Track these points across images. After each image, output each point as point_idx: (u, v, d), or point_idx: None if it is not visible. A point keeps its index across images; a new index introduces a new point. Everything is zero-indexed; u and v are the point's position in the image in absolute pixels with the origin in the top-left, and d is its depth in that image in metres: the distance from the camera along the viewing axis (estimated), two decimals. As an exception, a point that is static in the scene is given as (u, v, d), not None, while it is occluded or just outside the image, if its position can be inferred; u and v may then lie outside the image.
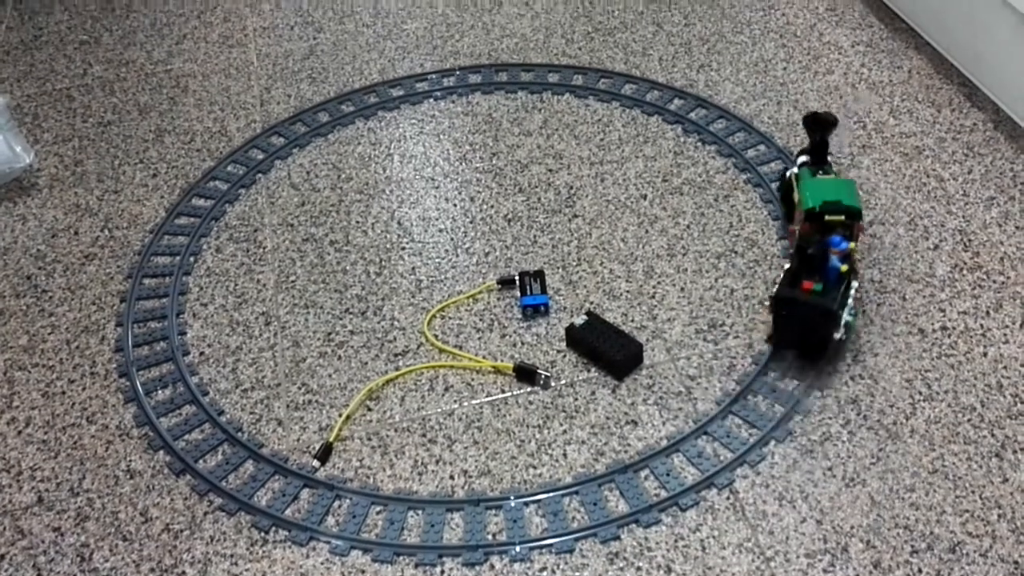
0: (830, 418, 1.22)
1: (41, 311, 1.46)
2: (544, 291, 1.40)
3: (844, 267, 1.23)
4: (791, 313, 1.25)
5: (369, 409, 1.28)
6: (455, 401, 1.28)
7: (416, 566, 1.11)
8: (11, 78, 1.95)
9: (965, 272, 1.39)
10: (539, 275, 1.41)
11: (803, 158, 1.41)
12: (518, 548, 1.12)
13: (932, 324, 1.32)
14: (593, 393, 1.28)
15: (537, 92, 1.79)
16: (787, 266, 1.27)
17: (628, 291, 1.41)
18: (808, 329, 1.26)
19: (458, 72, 1.85)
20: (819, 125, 1.40)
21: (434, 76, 1.85)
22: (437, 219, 1.55)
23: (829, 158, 1.40)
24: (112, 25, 2.09)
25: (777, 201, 1.53)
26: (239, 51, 1.97)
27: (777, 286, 1.25)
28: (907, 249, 1.43)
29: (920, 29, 1.83)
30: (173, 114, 1.81)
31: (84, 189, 1.66)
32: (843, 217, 1.26)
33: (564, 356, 1.33)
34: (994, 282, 1.37)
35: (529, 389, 1.29)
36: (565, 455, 1.21)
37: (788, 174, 1.45)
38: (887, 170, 1.56)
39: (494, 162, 1.65)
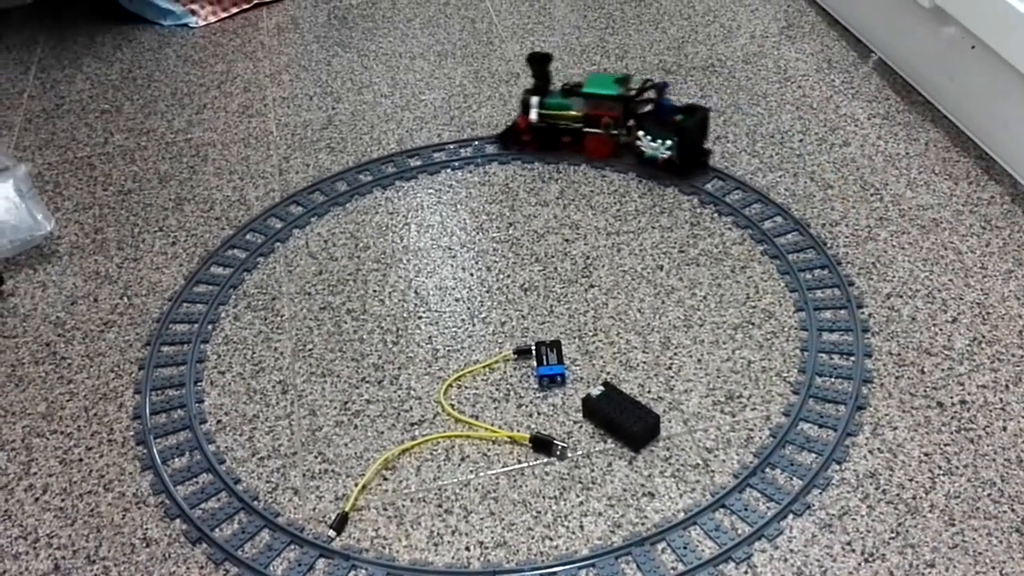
0: (849, 492, 1.23)
1: (60, 378, 1.49)
2: (561, 361, 1.42)
3: (673, 99, 1.77)
4: (691, 133, 1.73)
5: (385, 479, 1.31)
6: (471, 471, 1.31)
7: (432, 638, 1.13)
8: (33, 146, 2.01)
9: (984, 345, 1.41)
10: (556, 345, 1.44)
11: (535, 98, 1.80)
12: (534, 621, 1.13)
13: (951, 398, 1.34)
14: (610, 464, 1.30)
15: (553, 163, 1.83)
16: (640, 132, 1.74)
17: (645, 362, 1.43)
18: (701, 137, 1.77)
19: (475, 142, 1.90)
20: (541, 60, 1.80)
21: (452, 146, 1.90)
22: (454, 288, 1.58)
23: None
24: (133, 94, 2.15)
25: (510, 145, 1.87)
26: (259, 120, 2.03)
27: (659, 138, 1.72)
28: (925, 322, 1.46)
29: (936, 102, 1.88)
30: (193, 182, 1.86)
31: (104, 256, 1.70)
32: (635, 81, 1.79)
33: (581, 427, 1.35)
34: (1013, 356, 1.39)
35: (545, 460, 1.31)
36: (582, 527, 1.23)
37: (533, 116, 1.81)
38: (904, 243, 1.59)
39: (511, 232, 1.68)
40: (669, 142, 1.72)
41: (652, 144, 1.73)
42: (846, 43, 2.11)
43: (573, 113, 1.79)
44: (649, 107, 1.76)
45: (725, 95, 1.98)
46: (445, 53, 2.20)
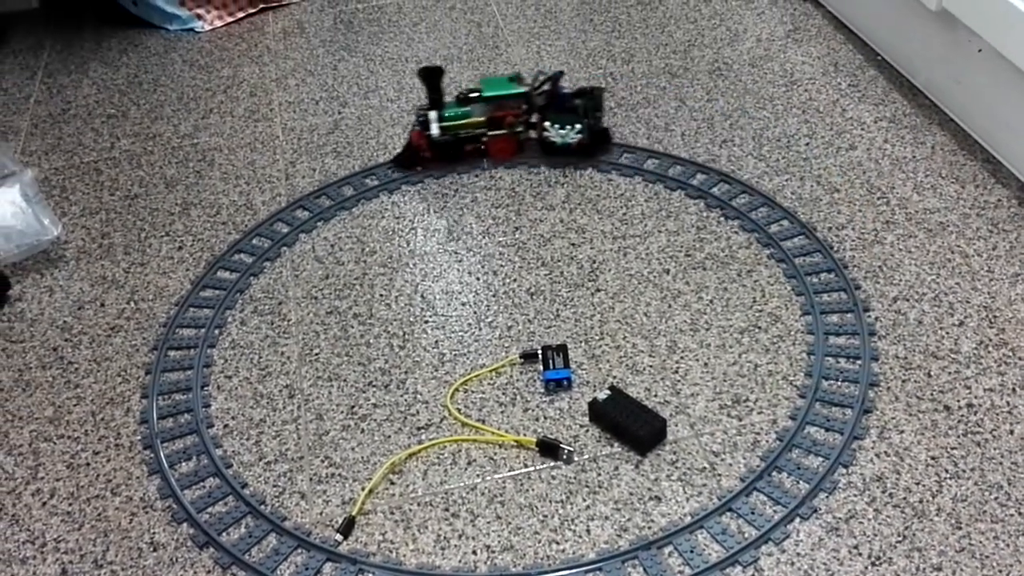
0: (855, 495, 1.24)
1: (67, 383, 1.50)
2: (567, 365, 1.43)
3: (568, 89, 1.82)
4: (596, 107, 1.81)
5: (392, 483, 1.32)
6: (478, 475, 1.31)
7: (439, 642, 1.14)
8: (39, 151, 2.02)
9: (991, 349, 1.42)
10: (562, 349, 1.45)
11: (433, 112, 1.79)
12: (541, 624, 1.14)
13: (958, 401, 1.35)
14: (616, 468, 1.31)
15: (560, 167, 1.84)
16: (546, 123, 1.80)
17: (651, 366, 1.44)
18: (601, 116, 1.85)
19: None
20: (432, 74, 1.79)
21: (458, 150, 1.91)
22: (460, 293, 1.59)
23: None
24: (139, 99, 2.16)
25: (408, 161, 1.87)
26: (265, 125, 2.04)
27: (568, 122, 1.80)
28: (932, 325, 1.46)
29: (943, 105, 1.88)
30: (199, 187, 1.87)
31: (111, 261, 1.72)
32: (527, 77, 1.85)
33: (587, 431, 1.36)
34: (1020, 359, 1.40)
35: (552, 464, 1.32)
36: (588, 531, 1.23)
37: (435, 131, 1.79)
38: (911, 246, 1.60)
39: (517, 236, 1.69)
40: (579, 125, 1.79)
41: (562, 132, 1.79)
42: (853, 46, 2.11)
43: (476, 119, 1.82)
44: (543, 99, 1.82)
45: (731, 99, 1.98)
46: (451, 57, 2.21)
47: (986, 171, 1.74)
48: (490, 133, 1.82)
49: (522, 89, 1.80)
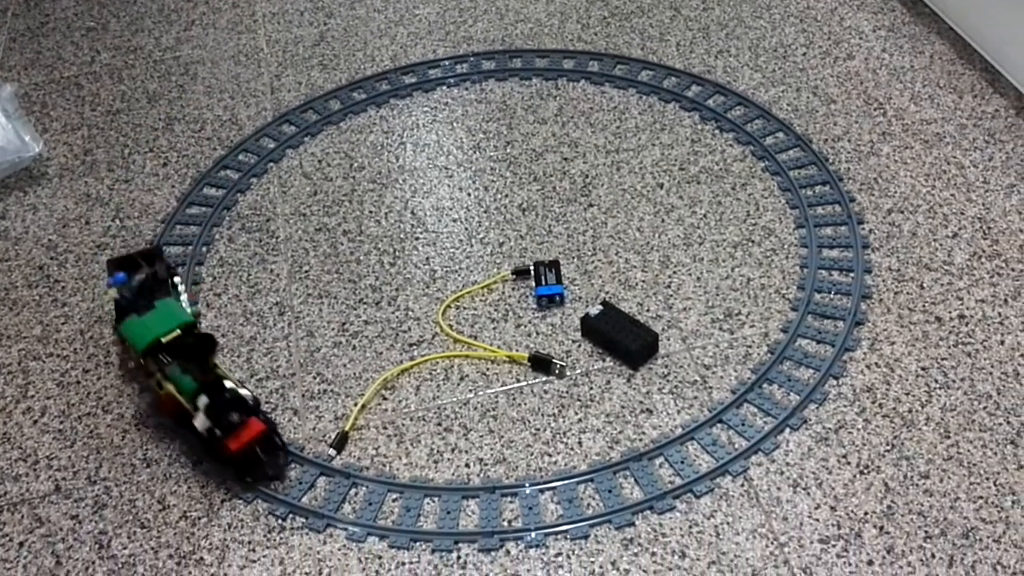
0: (845, 406, 1.29)
1: (54, 301, 1.53)
2: (559, 281, 1.46)
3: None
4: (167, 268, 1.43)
5: (384, 398, 1.36)
6: (470, 390, 1.35)
7: (432, 552, 1.18)
8: (18, 66, 2.03)
9: (984, 260, 1.45)
10: (554, 265, 1.48)
11: (203, 398, 1.24)
12: (533, 534, 1.19)
13: (949, 312, 1.39)
14: (608, 382, 1.35)
15: (552, 79, 1.86)
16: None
17: (644, 281, 1.48)
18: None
19: (471, 58, 1.92)
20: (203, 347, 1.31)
21: (447, 62, 1.92)
22: (451, 209, 1.62)
23: None
24: (119, 11, 2.16)
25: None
26: (248, 37, 2.04)
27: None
28: (926, 237, 1.50)
29: (943, 14, 1.89)
30: (183, 102, 1.89)
31: (94, 178, 1.74)
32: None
33: (579, 346, 1.40)
34: (1013, 270, 1.44)
35: (544, 379, 1.36)
36: (580, 443, 1.28)
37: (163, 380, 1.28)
38: (907, 157, 1.62)
39: (508, 151, 1.72)
40: (179, 288, 1.44)
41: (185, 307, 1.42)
42: (852, -48, 2.12)
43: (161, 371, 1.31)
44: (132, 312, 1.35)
45: (728, 7, 1.99)
46: (439, -34, 2.21)
47: (984, 81, 1.75)
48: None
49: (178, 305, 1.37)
